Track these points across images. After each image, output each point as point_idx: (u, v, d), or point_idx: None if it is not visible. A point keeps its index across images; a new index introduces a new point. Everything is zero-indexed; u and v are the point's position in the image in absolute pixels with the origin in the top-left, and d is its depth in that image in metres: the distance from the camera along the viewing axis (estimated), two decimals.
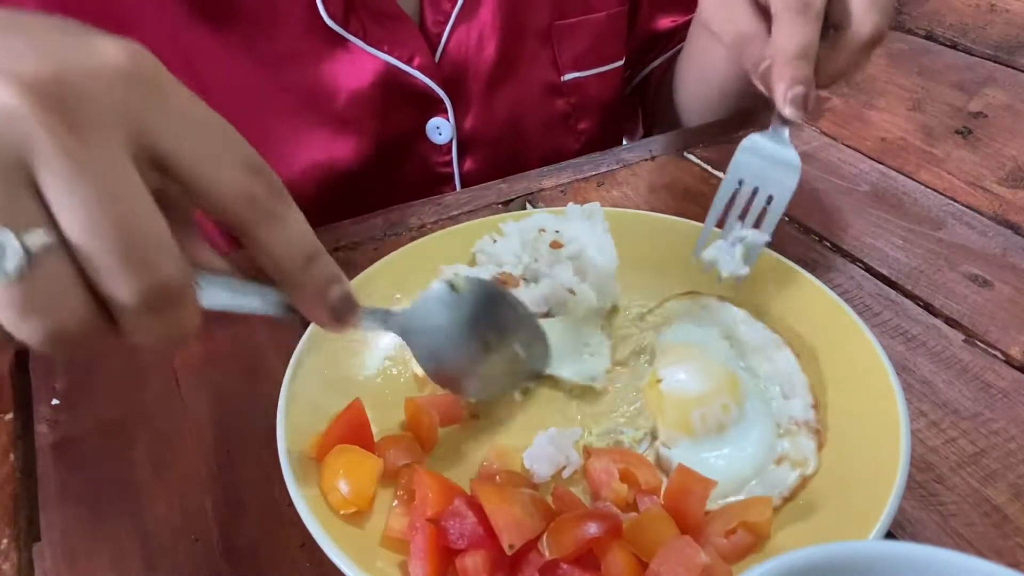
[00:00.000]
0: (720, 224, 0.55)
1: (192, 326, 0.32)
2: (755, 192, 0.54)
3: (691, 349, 0.50)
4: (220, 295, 0.34)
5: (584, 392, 0.51)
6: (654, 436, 0.48)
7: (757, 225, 0.53)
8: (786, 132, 0.55)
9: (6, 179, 0.27)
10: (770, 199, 0.53)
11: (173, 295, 0.30)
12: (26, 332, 0.29)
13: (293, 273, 0.34)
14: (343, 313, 0.37)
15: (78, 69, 0.29)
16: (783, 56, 0.52)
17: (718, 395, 0.47)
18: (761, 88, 0.55)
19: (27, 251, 0.27)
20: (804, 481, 0.44)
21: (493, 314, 0.48)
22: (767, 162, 0.54)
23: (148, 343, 0.31)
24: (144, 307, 0.29)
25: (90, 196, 0.28)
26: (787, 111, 0.53)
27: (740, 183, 0.54)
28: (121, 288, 0.29)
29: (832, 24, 0.54)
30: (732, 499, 0.43)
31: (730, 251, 0.53)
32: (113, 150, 0.29)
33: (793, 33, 0.52)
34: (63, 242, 0.28)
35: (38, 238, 0.27)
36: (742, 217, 0.54)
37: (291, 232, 0.34)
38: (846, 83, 0.83)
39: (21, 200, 0.28)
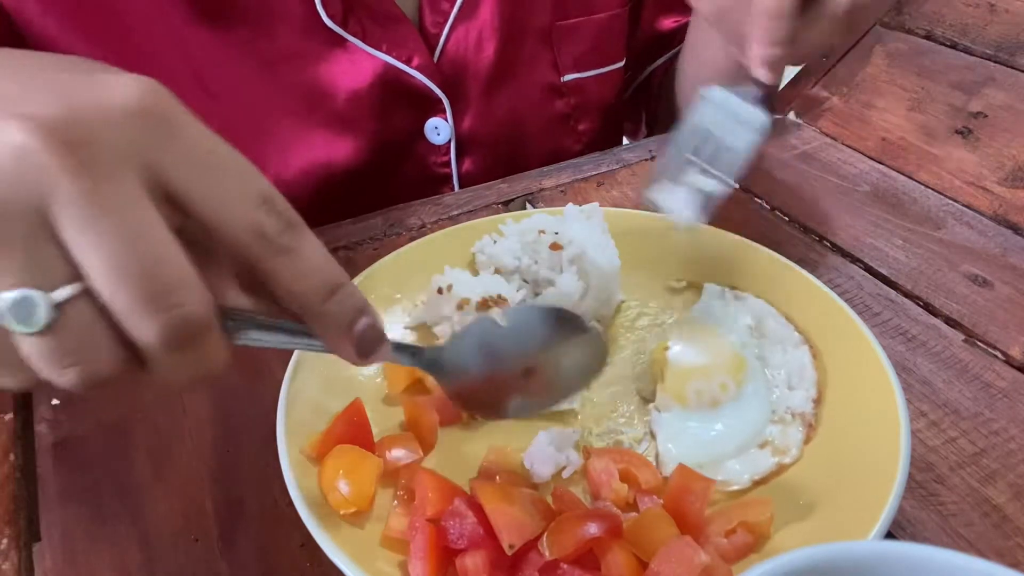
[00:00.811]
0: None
1: (220, 362, 0.31)
2: (713, 143, 0.51)
3: (708, 327, 0.51)
4: (250, 333, 0.33)
5: (584, 392, 0.51)
6: (650, 399, 0.49)
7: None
8: (755, 93, 0.53)
9: (28, 229, 0.27)
10: (729, 149, 0.51)
11: (197, 332, 0.30)
12: (60, 379, 0.29)
13: (313, 306, 0.33)
14: (370, 347, 0.35)
15: (90, 108, 0.28)
16: (759, 15, 0.50)
17: (719, 372, 0.47)
18: (744, 61, 0.53)
19: (54, 303, 0.27)
20: (780, 468, 0.45)
21: (539, 336, 0.42)
22: (729, 117, 0.52)
23: (178, 382, 0.31)
24: (169, 346, 0.29)
25: (111, 238, 0.27)
26: (759, 72, 0.51)
27: (698, 132, 0.52)
28: (146, 328, 0.28)
29: None
30: (707, 472, 0.43)
31: (685, 198, 0.51)
32: (129, 189, 0.28)
33: None
34: (87, 288, 0.28)
35: (64, 290, 0.27)
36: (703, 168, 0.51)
37: (307, 264, 0.32)
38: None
39: (44, 251, 0.27)
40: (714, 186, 0.51)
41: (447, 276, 0.54)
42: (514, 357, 0.42)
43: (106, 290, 0.28)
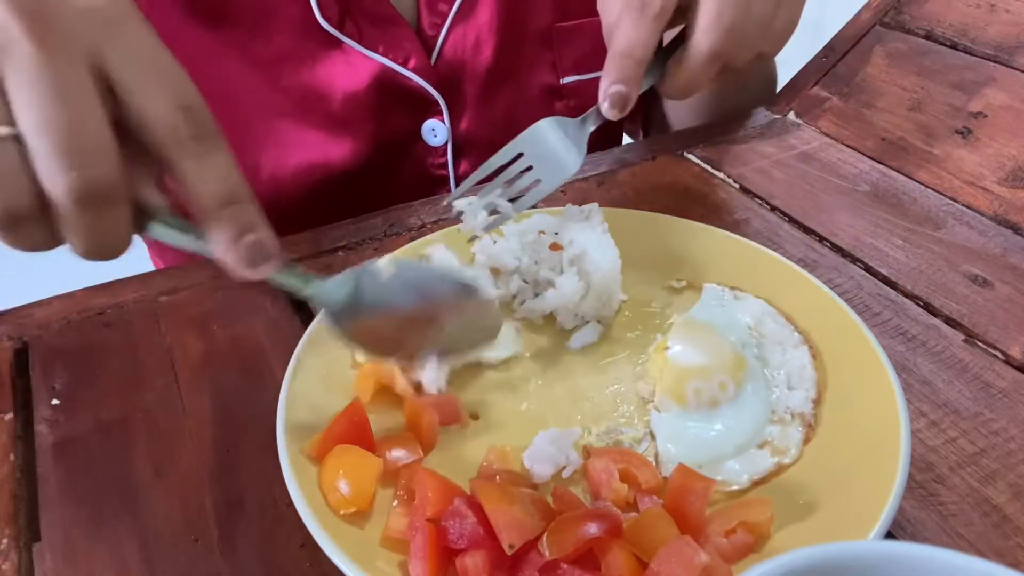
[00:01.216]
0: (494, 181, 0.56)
1: (121, 239, 0.36)
2: (528, 169, 0.55)
3: (708, 327, 0.51)
4: (155, 226, 0.37)
5: (584, 392, 0.51)
6: (649, 399, 0.49)
7: (515, 200, 0.55)
8: (592, 126, 0.55)
9: None
10: (538, 182, 0.55)
11: (102, 196, 0.34)
12: None
13: (208, 210, 0.36)
14: (254, 260, 0.38)
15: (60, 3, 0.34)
16: (611, 52, 0.53)
17: (718, 372, 0.47)
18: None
19: None
20: (780, 468, 0.45)
21: (427, 292, 0.46)
22: (551, 150, 0.55)
23: (79, 247, 0.36)
24: (75, 202, 0.33)
25: (45, 96, 0.32)
26: (603, 107, 0.53)
27: (520, 155, 0.55)
28: (57, 180, 0.33)
29: (684, 37, 0.54)
30: (706, 472, 0.43)
31: (478, 210, 0.55)
32: (75, 65, 0.33)
33: (626, 30, 0.52)
34: (17, 135, 0.32)
35: (2, 129, 0.32)
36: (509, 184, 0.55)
37: (211, 172, 0.36)
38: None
39: None
40: (506, 209, 0.54)
41: (435, 253, 0.54)
42: (399, 305, 0.45)
43: (31, 139, 0.32)
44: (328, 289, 0.43)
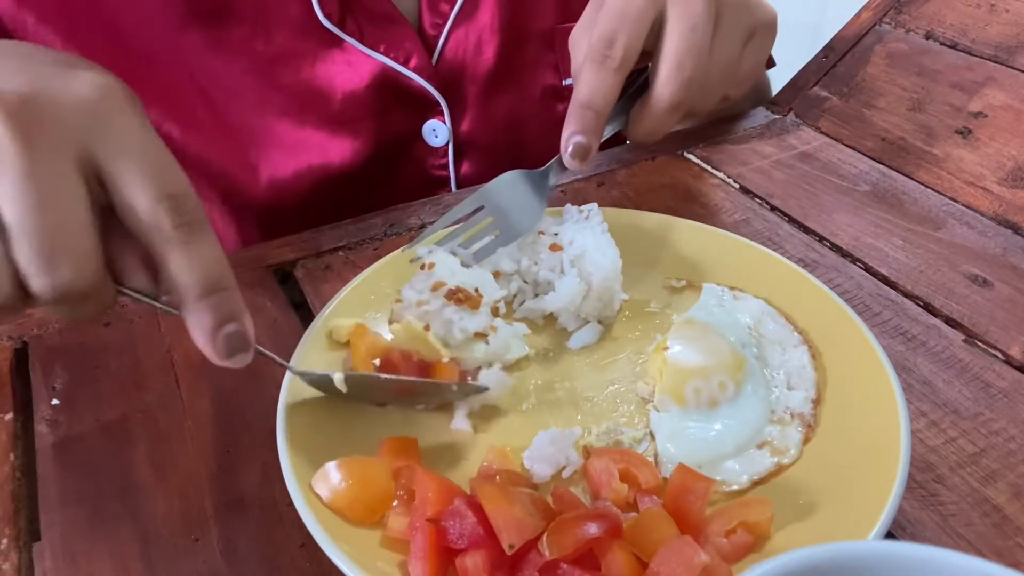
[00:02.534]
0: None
1: (99, 314, 0.38)
2: (489, 221, 0.55)
3: (708, 327, 0.51)
4: (137, 297, 0.39)
5: (584, 392, 0.51)
6: (649, 399, 0.49)
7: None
8: (554, 179, 0.56)
9: None
10: (496, 235, 0.55)
11: (79, 297, 0.35)
12: None
13: (187, 300, 0.37)
14: (230, 351, 0.39)
15: (48, 95, 0.35)
16: (573, 102, 0.53)
17: (718, 372, 0.47)
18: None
19: None
20: (780, 468, 0.45)
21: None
22: (514, 202, 0.56)
23: (60, 319, 0.39)
24: (52, 301, 0.35)
25: (27, 201, 0.33)
26: (565, 159, 0.54)
27: (480, 208, 0.56)
28: (36, 282, 0.34)
29: (648, 83, 0.55)
30: (706, 472, 0.43)
31: (440, 257, 0.54)
32: (61, 165, 0.34)
33: (586, 82, 0.53)
34: (3, 237, 0.33)
35: None
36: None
37: (193, 261, 0.36)
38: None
39: None
40: (466, 257, 0.54)
41: (433, 254, 0.53)
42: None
43: (15, 238, 0.33)
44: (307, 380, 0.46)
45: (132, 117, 0.36)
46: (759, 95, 0.88)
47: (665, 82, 0.53)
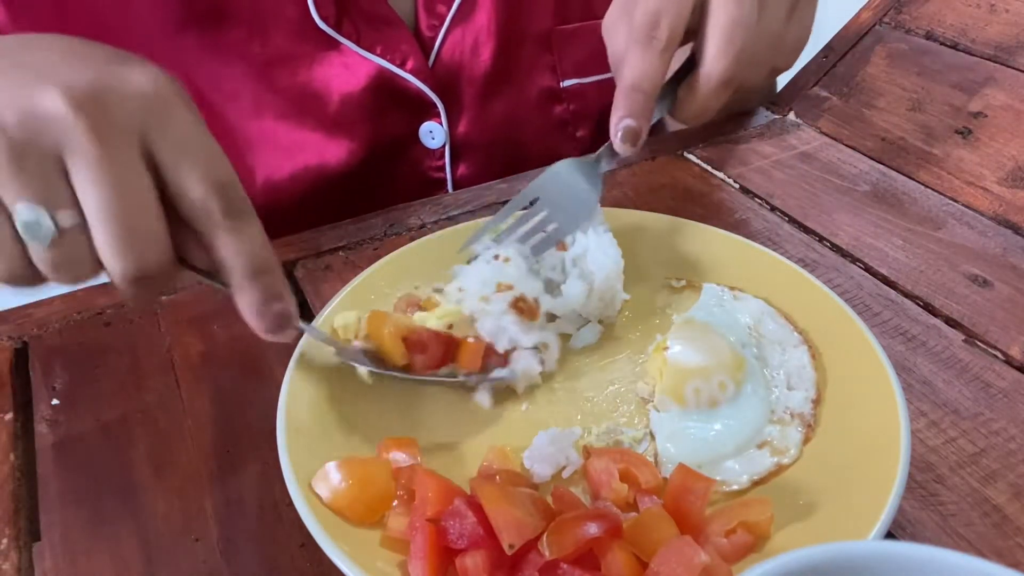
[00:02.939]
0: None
1: (164, 292, 0.43)
2: (545, 214, 0.54)
3: (708, 327, 0.51)
4: (200, 279, 0.42)
5: (584, 392, 0.51)
6: (649, 399, 0.49)
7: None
8: (606, 165, 0.55)
9: (44, 168, 0.36)
10: (556, 228, 0.54)
11: (151, 277, 0.38)
12: (52, 279, 0.39)
13: (236, 281, 0.41)
14: (276, 328, 0.42)
15: (113, 88, 0.37)
16: (620, 86, 0.52)
17: (718, 372, 0.47)
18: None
19: (57, 226, 0.36)
20: (780, 468, 0.45)
21: None
22: (567, 192, 0.55)
23: (133, 299, 0.42)
24: (127, 281, 0.38)
25: (105, 187, 0.36)
26: (616, 144, 0.53)
27: (536, 200, 0.55)
28: (114, 263, 0.37)
29: (695, 62, 0.53)
30: (706, 472, 0.43)
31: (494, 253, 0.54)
32: (128, 153, 0.37)
33: (634, 64, 0.52)
34: (83, 221, 0.36)
35: (67, 218, 0.36)
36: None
37: (242, 245, 0.40)
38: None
39: (56, 185, 0.36)
40: (523, 251, 0.54)
41: (505, 248, 0.53)
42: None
43: (94, 225, 0.36)
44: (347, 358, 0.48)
45: (187, 110, 0.39)
46: (768, 91, 0.87)
47: (715, 57, 0.51)
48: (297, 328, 0.43)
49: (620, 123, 0.52)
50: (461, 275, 0.52)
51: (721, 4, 0.51)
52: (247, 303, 0.41)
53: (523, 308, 0.50)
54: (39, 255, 0.37)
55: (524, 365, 0.49)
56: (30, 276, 0.39)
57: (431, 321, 0.49)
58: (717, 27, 0.51)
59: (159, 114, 0.38)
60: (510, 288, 0.50)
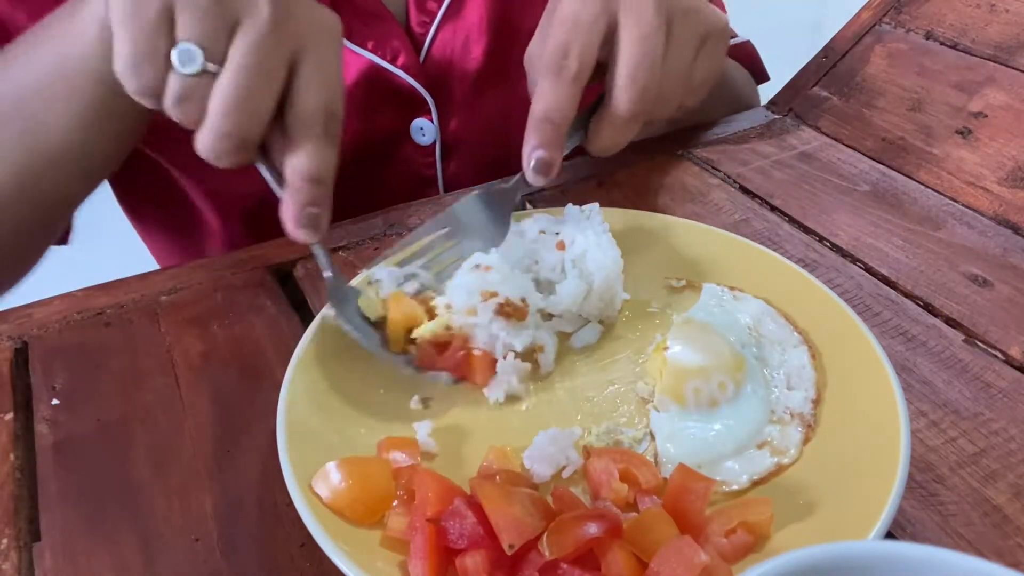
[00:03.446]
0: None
1: (241, 162, 0.48)
2: (455, 242, 0.55)
3: (707, 327, 0.51)
4: (263, 168, 0.50)
5: (584, 392, 0.51)
6: (649, 399, 0.49)
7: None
8: (517, 197, 0.55)
9: (223, 22, 0.44)
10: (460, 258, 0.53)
11: (235, 143, 0.46)
12: (167, 107, 0.46)
13: (296, 183, 0.47)
14: (308, 227, 0.48)
15: (305, 4, 0.48)
16: (531, 117, 0.53)
17: (718, 372, 0.47)
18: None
19: (204, 67, 0.45)
20: (780, 468, 0.45)
21: None
22: (479, 220, 0.55)
23: (208, 155, 0.48)
24: (217, 134, 0.46)
25: (251, 57, 0.44)
26: (528, 175, 0.53)
27: (446, 227, 0.55)
28: (216, 116, 0.45)
29: (604, 97, 0.54)
30: (706, 472, 0.43)
31: (397, 280, 0.53)
32: (284, 47, 0.46)
33: (543, 94, 0.52)
34: (215, 73, 0.45)
35: (213, 66, 0.45)
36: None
37: (318, 155, 0.47)
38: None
39: (221, 39, 0.45)
40: (429, 281, 0.53)
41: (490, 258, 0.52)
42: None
43: (225, 77, 0.45)
44: (340, 282, 0.51)
45: (339, 51, 0.49)
46: (735, 103, 0.87)
47: (621, 93, 0.53)
48: (323, 237, 0.49)
49: (532, 154, 0.53)
50: (448, 291, 0.51)
51: (628, 42, 0.52)
52: (293, 199, 0.47)
53: (510, 312, 0.50)
54: (175, 82, 0.45)
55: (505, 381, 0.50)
56: (158, 96, 0.46)
57: (433, 327, 0.50)
58: (623, 62, 0.53)
59: (321, 40, 0.47)
60: (494, 295, 0.50)
